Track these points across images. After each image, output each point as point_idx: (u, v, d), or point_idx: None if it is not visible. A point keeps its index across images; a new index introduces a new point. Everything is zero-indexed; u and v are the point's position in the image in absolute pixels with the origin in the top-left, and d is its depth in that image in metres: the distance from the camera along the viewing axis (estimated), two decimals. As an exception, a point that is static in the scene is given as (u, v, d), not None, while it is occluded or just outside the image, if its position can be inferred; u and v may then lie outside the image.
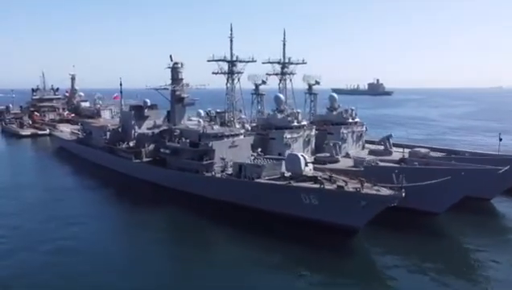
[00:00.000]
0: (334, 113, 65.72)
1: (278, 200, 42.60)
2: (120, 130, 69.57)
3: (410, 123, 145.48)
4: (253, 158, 51.50)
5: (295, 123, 58.70)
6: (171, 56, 60.19)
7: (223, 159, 50.59)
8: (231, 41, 67.75)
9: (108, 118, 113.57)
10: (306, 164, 43.45)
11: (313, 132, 61.42)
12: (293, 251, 36.49)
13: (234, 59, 68.21)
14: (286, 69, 74.02)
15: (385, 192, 37.22)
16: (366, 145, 66.48)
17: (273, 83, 75.60)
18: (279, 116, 60.26)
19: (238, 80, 69.40)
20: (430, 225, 42.80)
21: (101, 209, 51.02)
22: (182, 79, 61.03)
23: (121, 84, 74.83)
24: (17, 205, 50.95)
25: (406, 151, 60.79)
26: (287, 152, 57.14)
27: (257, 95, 70.42)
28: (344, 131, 62.39)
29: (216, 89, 71.29)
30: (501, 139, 52.80)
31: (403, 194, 35.81)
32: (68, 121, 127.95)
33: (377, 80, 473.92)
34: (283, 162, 46.58)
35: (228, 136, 52.47)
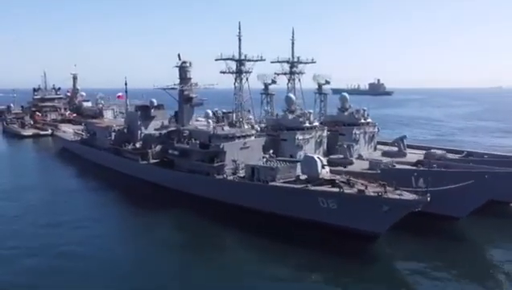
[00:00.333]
0: (345, 113, 64.08)
1: (293, 205, 41.00)
2: (125, 130, 67.85)
3: (415, 123, 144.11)
4: (265, 160, 49.85)
5: (307, 124, 57.00)
6: (179, 55, 58.65)
7: (234, 161, 48.95)
8: (239, 40, 66.11)
9: (110, 117, 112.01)
10: (322, 167, 41.89)
11: (325, 133, 59.76)
12: (309, 257, 35.17)
13: (243, 58, 66.62)
14: (294, 68, 72.40)
15: (408, 196, 35.62)
16: (378, 146, 64.89)
17: (281, 83, 74.15)
18: (290, 116, 58.61)
19: (247, 79, 67.78)
20: (451, 230, 41.29)
21: (106, 211, 49.63)
22: (190, 78, 59.41)
23: (126, 84, 73.18)
24: (20, 207, 49.53)
25: (420, 152, 59.65)
26: (299, 154, 55.98)
27: (266, 95, 68.74)
28: (357, 132, 60.77)
29: (225, 89, 69.80)
30: None
31: (428, 199, 34.20)
32: (69, 121, 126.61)
33: (378, 79, 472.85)
34: (298, 164, 45.01)
35: (239, 137, 50.85)
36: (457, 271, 33.04)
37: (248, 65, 67.46)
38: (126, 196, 54.87)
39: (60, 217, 45.49)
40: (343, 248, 36.39)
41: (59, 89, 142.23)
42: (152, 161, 59.60)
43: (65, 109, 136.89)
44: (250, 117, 72.88)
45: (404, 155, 57.29)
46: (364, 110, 63.58)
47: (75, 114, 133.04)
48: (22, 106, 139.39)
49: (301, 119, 57.23)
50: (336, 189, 38.49)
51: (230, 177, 47.45)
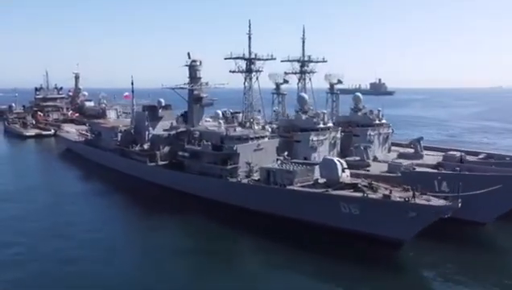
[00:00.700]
0: (359, 114, 62.29)
1: (313, 209, 39.29)
2: (132, 131, 66.03)
3: (422, 124, 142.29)
4: (279, 162, 48.09)
5: (321, 125, 55.21)
6: (188, 54, 56.86)
7: (248, 163, 47.19)
8: (249, 38, 64.04)
9: (113, 117, 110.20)
10: (343, 170, 40.14)
11: (339, 134, 58.00)
12: (328, 264, 33.77)
13: (253, 56, 64.78)
14: (305, 68, 70.61)
15: (437, 201, 33.87)
16: (392, 148, 63.15)
17: (291, 82, 72.39)
18: (304, 117, 56.81)
19: (257, 78, 65.89)
20: (477, 235, 39.80)
21: (113, 214, 48.29)
22: (200, 78, 57.59)
23: (132, 83, 71.40)
24: (25, 209, 48.29)
25: (436, 154, 57.94)
26: (313, 156, 54.27)
27: (278, 95, 66.91)
28: (371, 133, 58.98)
29: (234, 88, 68.05)
30: None
31: (459, 204, 32.45)
32: (71, 121, 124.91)
33: (379, 79, 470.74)
34: (316, 167, 43.27)
35: (252, 139, 49.09)
36: (484, 278, 31.78)
37: (258, 64, 65.67)
38: (134, 199, 53.21)
39: (66, 220, 44.25)
40: (364, 255, 35.00)
41: (61, 88, 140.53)
42: (160, 163, 57.86)
43: (67, 108, 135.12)
44: (258, 117, 71.12)
45: (421, 157, 55.49)
46: (379, 111, 61.77)
47: (77, 114, 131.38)
48: (23, 106, 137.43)
49: (315, 120, 55.44)
50: (359, 194, 36.77)
51: (244, 180, 45.67)
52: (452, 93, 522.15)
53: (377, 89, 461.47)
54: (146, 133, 62.89)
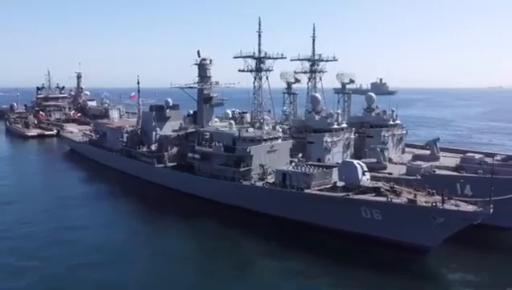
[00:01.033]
0: (372, 114, 60.60)
1: (332, 214, 37.66)
2: (139, 131, 64.32)
3: (428, 124, 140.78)
4: (293, 164, 46.45)
5: (335, 125, 53.55)
6: (198, 52, 55.14)
7: (262, 165, 45.57)
8: (259, 36, 62.82)
9: (116, 117, 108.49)
10: (363, 173, 38.50)
11: (352, 135, 56.34)
12: (348, 271, 32.31)
13: (262, 55, 63.27)
14: (315, 67, 69.02)
15: (466, 207, 32.23)
16: (406, 149, 61.48)
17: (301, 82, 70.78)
18: (317, 117, 55.15)
19: (267, 78, 64.38)
20: (505, 241, 38.13)
21: (120, 218, 46.84)
22: (210, 77, 55.90)
23: (138, 83, 69.64)
24: (29, 212, 46.80)
25: (452, 155, 56.31)
26: (327, 157, 52.63)
27: (289, 94, 65.23)
28: (386, 134, 57.28)
29: (241, 88, 66.43)
30: None
31: (491, 210, 30.83)
32: (73, 120, 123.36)
33: (381, 79, 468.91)
34: (334, 170, 41.65)
35: (266, 140, 47.45)
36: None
37: (268, 63, 64.21)
38: (141, 202, 51.68)
39: (71, 224, 42.85)
40: (386, 262, 33.46)
41: (63, 87, 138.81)
42: (169, 164, 56.20)
43: (69, 108, 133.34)
44: (267, 117, 69.51)
45: (437, 158, 53.73)
46: (392, 111, 60.11)
47: (79, 114, 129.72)
48: (25, 105, 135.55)
49: (329, 120, 53.77)
50: (382, 198, 35.11)
51: (259, 183, 44.01)
52: (452, 93, 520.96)
53: (379, 89, 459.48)
54: (154, 133, 61.22)
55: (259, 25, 62.39)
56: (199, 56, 55.21)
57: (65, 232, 40.67)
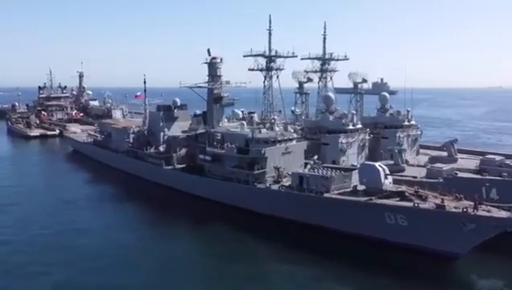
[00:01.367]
0: (386, 114, 58.99)
1: (353, 219, 36.01)
2: (146, 132, 62.64)
3: (434, 124, 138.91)
4: (309, 167, 44.85)
5: (351, 126, 51.91)
6: (208, 50, 53.37)
7: (277, 168, 43.91)
8: (269, 34, 60.97)
9: (119, 117, 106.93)
10: (385, 176, 36.89)
11: (367, 136, 54.71)
12: (369, 279, 30.54)
13: (273, 54, 61.55)
14: (326, 66, 67.40)
15: (499, 213, 30.60)
16: (420, 150, 59.86)
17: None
18: (331, 118, 53.50)
19: (277, 77, 62.66)
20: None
21: (127, 221, 45.34)
22: (221, 76, 54.17)
23: (145, 82, 68.07)
24: (33, 215, 45.44)
25: (469, 157, 54.76)
26: (342, 159, 51.02)
27: (300, 94, 63.55)
28: (401, 135, 55.68)
29: (249, 88, 64.81)
30: None
31: (527, 216, 29.25)
32: (75, 120, 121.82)
33: (381, 78, 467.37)
34: (353, 173, 40.03)
35: (280, 141, 45.81)
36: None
37: (278, 62, 62.51)
38: (149, 204, 50.14)
39: (77, 227, 41.54)
40: (411, 270, 31.88)
41: (65, 87, 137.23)
42: (178, 166, 54.55)
43: (71, 108, 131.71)
44: (275, 117, 67.87)
45: (455, 160, 52.10)
46: (408, 111, 58.48)
47: (82, 114, 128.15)
48: (27, 105, 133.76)
49: (343, 121, 52.12)
50: (408, 204, 33.47)
51: (274, 186, 42.34)
52: (453, 93, 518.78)
53: (380, 89, 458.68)
54: (161, 134, 59.56)
55: (269, 22, 60.65)
56: (209, 55, 53.46)
57: (70, 235, 39.40)
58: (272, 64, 61.93)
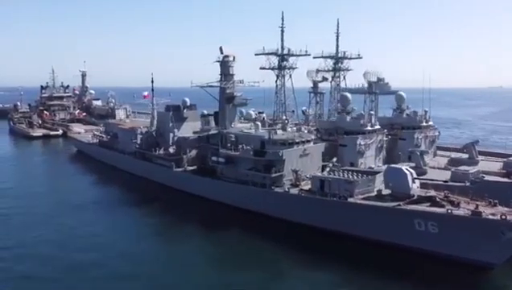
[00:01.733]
0: (403, 115, 57.15)
1: (379, 226, 34.16)
2: (154, 133, 60.69)
3: (441, 125, 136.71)
4: (327, 169, 42.94)
5: (369, 127, 50.05)
6: (221, 48, 51.53)
7: (295, 171, 42.04)
8: (282, 31, 59.61)
9: (123, 117, 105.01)
10: (413, 180, 35.03)
11: (385, 137, 52.86)
12: (399, 288, 29.03)
13: (285, 52, 59.87)
14: (339, 65, 65.65)
15: (539, 220, 28.72)
16: (438, 152, 58.04)
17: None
18: (348, 119, 51.63)
19: (290, 76, 60.93)
20: None
21: (136, 225, 43.53)
22: (233, 75, 52.28)
23: (152, 82, 66.27)
24: (37, 219, 43.79)
25: (489, 158, 53.04)
26: (360, 161, 49.22)
27: (315, 94, 61.73)
28: (419, 136, 53.85)
29: (259, 88, 63.04)
30: None
31: None
32: (78, 120, 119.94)
33: (383, 78, 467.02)
34: (377, 176, 38.16)
35: (297, 143, 43.92)
36: None
37: (291, 61, 60.86)
38: (158, 207, 48.19)
39: (84, 231, 39.90)
40: (443, 279, 30.06)
41: (67, 86, 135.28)
42: (189, 168, 52.65)
43: (74, 108, 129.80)
44: (284, 117, 66.07)
45: (476, 163, 50.23)
46: (425, 111, 56.66)
47: (84, 114, 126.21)
48: (29, 105, 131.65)
49: (361, 122, 50.25)
50: (441, 210, 31.59)
51: (294, 191, 40.44)
52: (455, 93, 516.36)
53: (381, 89, 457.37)
54: (171, 135, 57.62)
55: (282, 20, 59.17)
56: (221, 53, 51.59)
57: (75, 240, 37.81)
58: (285, 62, 60.33)
